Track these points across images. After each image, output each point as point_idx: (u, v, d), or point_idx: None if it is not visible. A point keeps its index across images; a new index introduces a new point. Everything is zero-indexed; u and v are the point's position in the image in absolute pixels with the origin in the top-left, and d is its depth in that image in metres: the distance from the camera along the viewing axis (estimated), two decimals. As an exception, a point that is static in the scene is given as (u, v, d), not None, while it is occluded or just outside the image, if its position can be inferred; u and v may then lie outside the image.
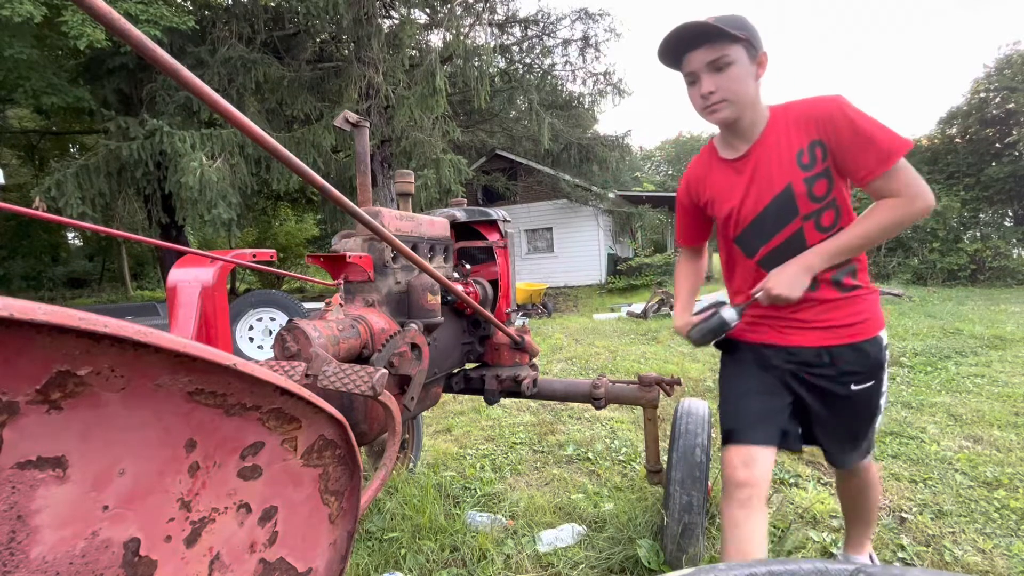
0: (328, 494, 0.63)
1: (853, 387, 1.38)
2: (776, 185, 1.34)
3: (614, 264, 16.68)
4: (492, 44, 13.40)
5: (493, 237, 2.34)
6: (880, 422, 1.46)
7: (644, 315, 9.13)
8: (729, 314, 1.41)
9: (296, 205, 22.56)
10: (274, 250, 2.05)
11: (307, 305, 7.02)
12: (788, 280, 1.29)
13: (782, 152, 1.33)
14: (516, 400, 3.41)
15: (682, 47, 1.33)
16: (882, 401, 1.44)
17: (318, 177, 0.79)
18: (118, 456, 0.40)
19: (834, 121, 1.26)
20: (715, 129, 1.47)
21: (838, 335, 1.37)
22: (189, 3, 11.50)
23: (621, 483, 2.58)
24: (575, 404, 3.88)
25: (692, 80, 1.34)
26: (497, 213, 2.34)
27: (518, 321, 2.33)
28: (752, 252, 1.44)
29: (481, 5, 13.29)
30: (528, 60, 14.99)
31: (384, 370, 1.11)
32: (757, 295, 1.35)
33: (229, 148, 9.85)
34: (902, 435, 3.09)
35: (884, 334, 1.41)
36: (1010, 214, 14.91)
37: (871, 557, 1.78)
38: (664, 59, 1.38)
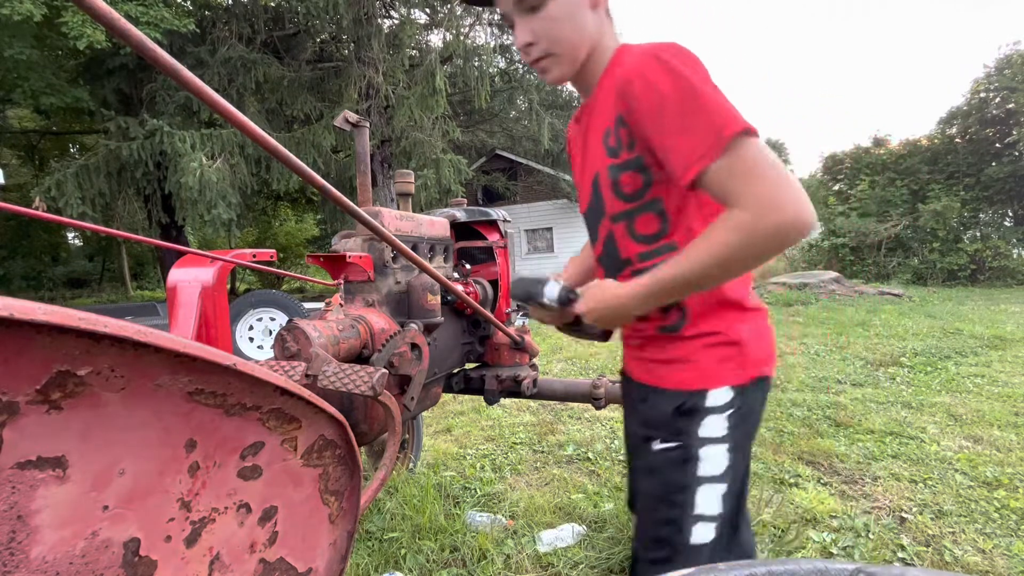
0: (328, 494, 0.63)
1: (655, 445, 0.94)
2: (588, 169, 1.00)
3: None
4: (492, 44, 13.40)
5: (493, 237, 2.34)
6: (713, 533, 0.90)
7: (644, 315, 9.11)
8: (549, 290, 1.04)
9: (296, 205, 22.58)
10: (274, 250, 2.05)
11: (307, 305, 7.02)
12: (598, 309, 0.94)
13: (597, 126, 0.95)
14: (516, 400, 3.41)
15: None
16: (707, 492, 0.89)
17: (318, 177, 0.79)
18: (118, 456, 0.40)
19: (634, 88, 0.82)
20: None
21: (651, 372, 0.99)
22: (189, 4, 11.49)
23: (621, 483, 2.58)
24: (575, 404, 3.88)
25: (509, 24, 0.96)
26: (497, 213, 2.34)
27: (518, 321, 2.33)
28: (592, 243, 1.10)
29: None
30: (528, 60, 14.97)
31: (384, 370, 1.11)
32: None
33: (229, 148, 9.86)
34: (902, 435, 3.09)
35: (722, 395, 0.90)
36: (1010, 214, 14.91)
37: None
38: None
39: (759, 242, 0.74)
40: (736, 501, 0.93)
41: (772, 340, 0.98)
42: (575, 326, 1.10)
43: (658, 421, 0.95)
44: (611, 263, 1.02)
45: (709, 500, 0.90)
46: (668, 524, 0.91)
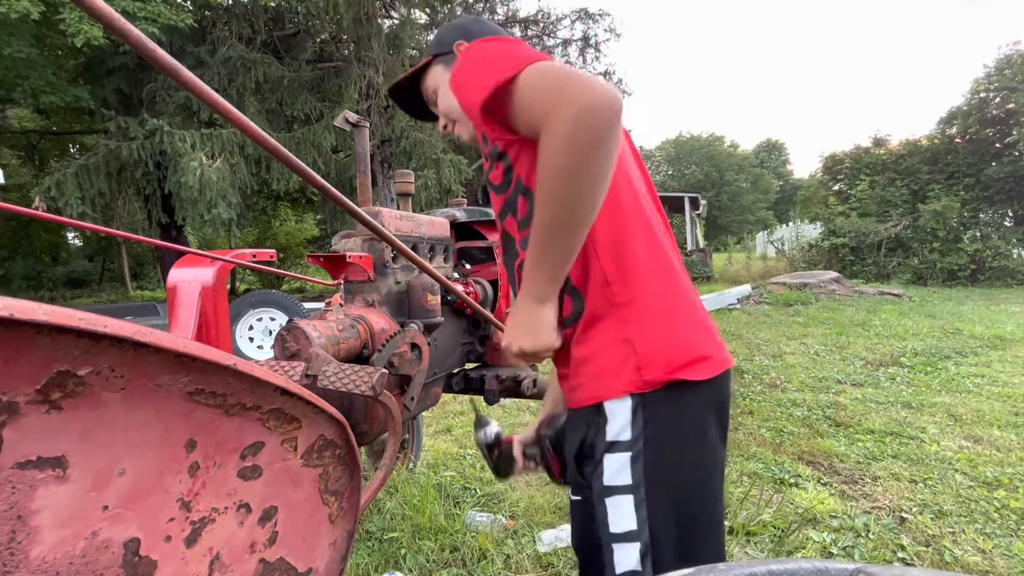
0: (328, 494, 0.63)
1: (585, 473, 0.82)
2: None
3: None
4: (492, 44, 13.38)
5: (493, 237, 2.34)
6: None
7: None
8: (483, 434, 1.03)
9: (296, 205, 22.56)
10: (274, 250, 2.05)
11: (307, 305, 7.02)
12: (517, 325, 0.80)
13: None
14: (516, 400, 3.41)
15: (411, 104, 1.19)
16: (622, 550, 0.75)
17: (318, 177, 0.79)
18: (118, 456, 0.40)
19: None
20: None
21: (569, 391, 0.87)
22: (188, 3, 11.49)
23: (621, 483, 2.58)
24: (575, 404, 3.87)
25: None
26: (497, 213, 2.34)
27: (518, 321, 2.33)
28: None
29: (481, 5, 13.30)
30: (528, 60, 14.98)
31: (384, 370, 1.11)
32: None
33: (229, 148, 9.86)
34: (902, 435, 3.09)
35: (621, 411, 0.76)
36: (1010, 214, 14.91)
37: None
38: (414, 115, 1.24)
39: (566, 137, 0.67)
40: (675, 556, 0.74)
41: (695, 332, 0.79)
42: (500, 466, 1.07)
43: (577, 448, 0.83)
44: (510, 260, 0.96)
45: (625, 559, 0.74)
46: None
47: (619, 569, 0.74)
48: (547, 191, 0.70)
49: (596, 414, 0.78)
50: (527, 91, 0.71)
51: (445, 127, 1.09)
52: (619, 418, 0.75)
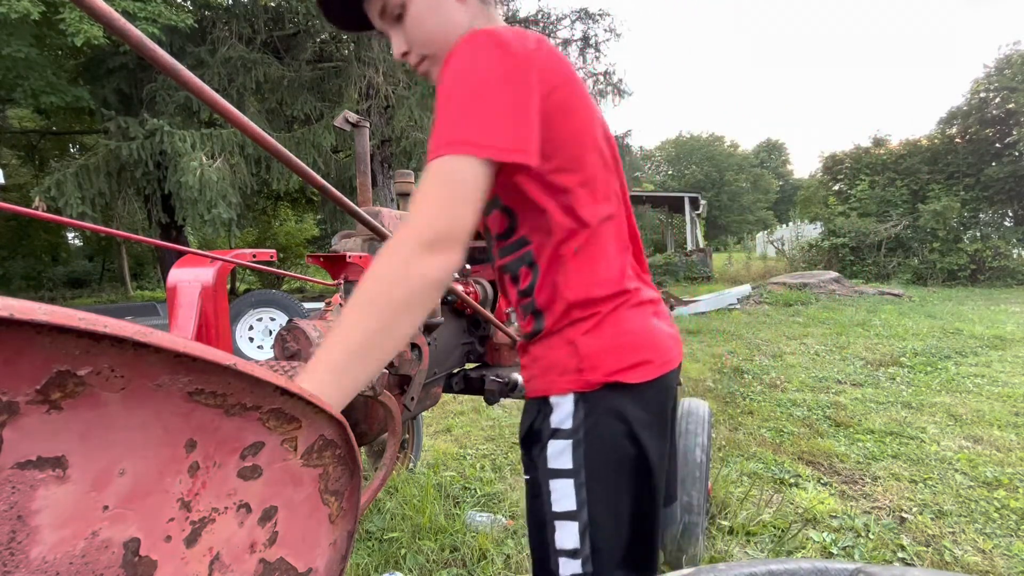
0: (328, 494, 0.63)
1: (525, 475, 0.88)
2: None
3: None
4: (492, 44, 13.39)
5: (493, 237, 2.34)
6: (579, 569, 0.80)
7: (644, 315, 9.10)
8: None
9: (296, 205, 22.57)
10: (274, 250, 2.05)
11: (307, 305, 7.02)
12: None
13: None
14: (516, 400, 3.42)
15: None
16: (563, 528, 0.80)
17: (318, 177, 0.79)
18: (118, 456, 0.40)
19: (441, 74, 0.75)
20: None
21: (525, 382, 0.92)
22: (189, 3, 11.49)
23: (621, 483, 2.58)
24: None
25: (388, 39, 0.92)
26: (497, 213, 2.34)
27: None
28: None
29: (481, 5, 13.29)
30: (528, 60, 14.99)
31: (384, 370, 1.11)
32: None
33: (229, 148, 9.86)
34: (902, 435, 3.10)
35: (564, 406, 0.82)
36: (1010, 214, 14.92)
37: None
38: (337, 22, 0.96)
39: (388, 285, 0.62)
40: (611, 540, 0.80)
41: (643, 339, 0.83)
42: None
43: (522, 447, 0.89)
44: (490, 257, 0.95)
45: (566, 536, 0.81)
46: (538, 553, 0.85)
47: (559, 544, 0.81)
48: (345, 324, 0.62)
49: (544, 404, 0.84)
50: (436, 186, 0.66)
51: (406, 55, 0.89)
52: (562, 409, 0.82)
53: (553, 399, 0.83)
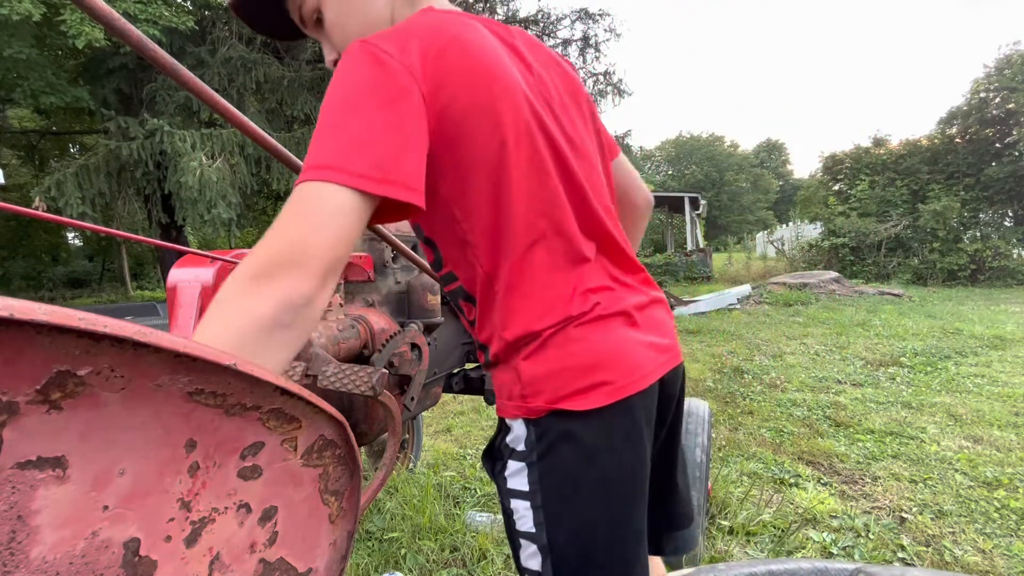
0: (328, 494, 0.63)
1: (494, 472, 0.84)
2: None
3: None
4: (492, 44, 13.40)
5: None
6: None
7: (644, 315, 9.11)
8: None
9: (296, 205, 22.55)
10: (274, 250, 2.05)
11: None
12: None
13: None
14: (516, 400, 3.42)
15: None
16: (526, 546, 0.78)
17: (318, 177, 0.79)
18: (118, 456, 0.40)
19: None
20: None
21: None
22: (189, 3, 11.49)
23: (621, 483, 2.58)
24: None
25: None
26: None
27: (518, 321, 2.33)
28: None
29: (481, 5, 13.30)
30: (528, 60, 15.00)
31: (384, 370, 1.11)
32: None
33: (229, 148, 9.86)
34: (902, 435, 3.09)
35: (519, 429, 0.77)
36: (1010, 214, 14.92)
37: None
38: (264, 31, 0.91)
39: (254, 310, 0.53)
40: (573, 566, 0.74)
41: (597, 359, 0.74)
42: None
43: (483, 462, 0.86)
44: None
45: (528, 556, 0.77)
46: (516, 565, 0.81)
47: (524, 563, 0.78)
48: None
49: (503, 422, 0.80)
50: (289, 205, 0.58)
51: (336, 62, 0.83)
52: (515, 432, 0.78)
53: (508, 420, 0.79)
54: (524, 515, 0.76)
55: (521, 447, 0.77)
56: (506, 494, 0.79)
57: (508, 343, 0.76)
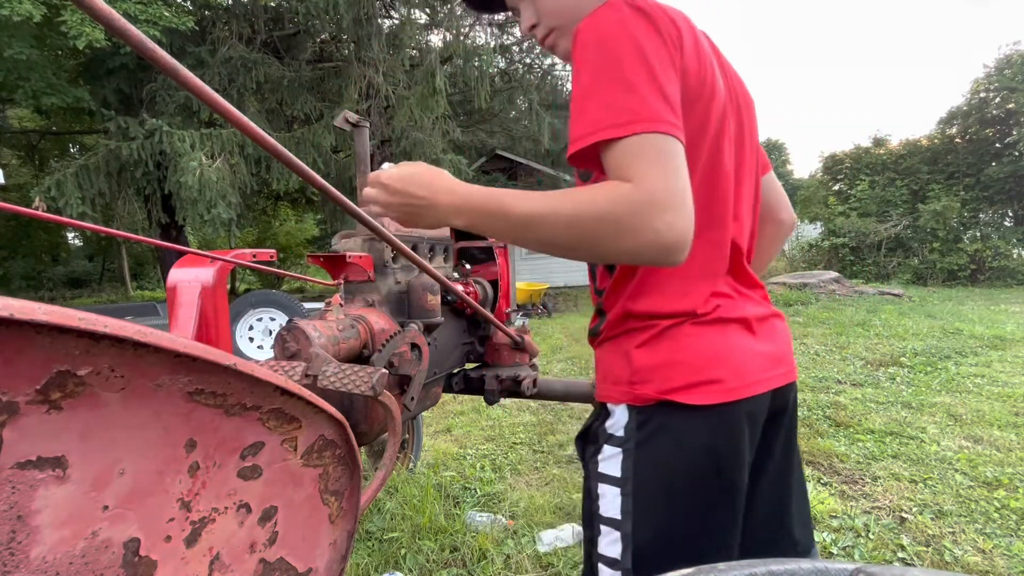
0: (328, 494, 0.63)
1: (586, 455, 0.86)
2: None
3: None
4: (492, 44, 13.40)
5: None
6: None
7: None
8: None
9: (296, 205, 22.57)
10: (274, 250, 2.05)
11: (307, 305, 7.01)
12: (396, 182, 0.80)
13: None
14: (516, 400, 3.42)
15: None
16: (606, 533, 0.78)
17: (318, 177, 0.79)
18: (118, 456, 0.40)
19: (572, 52, 0.72)
20: None
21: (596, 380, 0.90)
22: (189, 3, 11.49)
23: (621, 483, 2.58)
24: (575, 404, 3.88)
25: (516, 14, 0.94)
26: (497, 213, 2.34)
27: (518, 321, 2.33)
28: None
29: (481, 5, 13.28)
30: (528, 60, 15.00)
31: (384, 370, 1.11)
32: None
33: (229, 148, 9.86)
34: (902, 435, 3.09)
35: (620, 415, 0.78)
36: (1010, 214, 14.91)
37: None
38: (474, 4, 1.01)
39: (620, 225, 0.61)
40: (653, 562, 0.74)
41: (714, 359, 0.75)
42: None
43: (576, 444, 0.88)
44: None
45: (608, 543, 0.77)
46: (586, 549, 0.82)
47: (601, 550, 0.78)
48: (563, 230, 0.65)
49: (603, 407, 0.81)
50: (620, 164, 0.63)
51: (534, 27, 0.88)
52: (617, 417, 0.79)
53: (610, 405, 0.80)
54: (612, 501, 0.77)
55: (620, 433, 0.77)
56: (595, 478, 0.79)
57: (629, 313, 0.79)
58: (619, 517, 0.76)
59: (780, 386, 0.81)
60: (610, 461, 0.78)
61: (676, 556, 0.73)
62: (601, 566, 0.78)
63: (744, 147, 0.83)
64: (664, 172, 0.62)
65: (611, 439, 0.78)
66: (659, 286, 0.78)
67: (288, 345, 1.22)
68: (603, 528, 0.78)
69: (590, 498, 0.80)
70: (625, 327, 0.80)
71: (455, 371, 2.24)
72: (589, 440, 0.83)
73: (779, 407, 0.83)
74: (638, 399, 0.76)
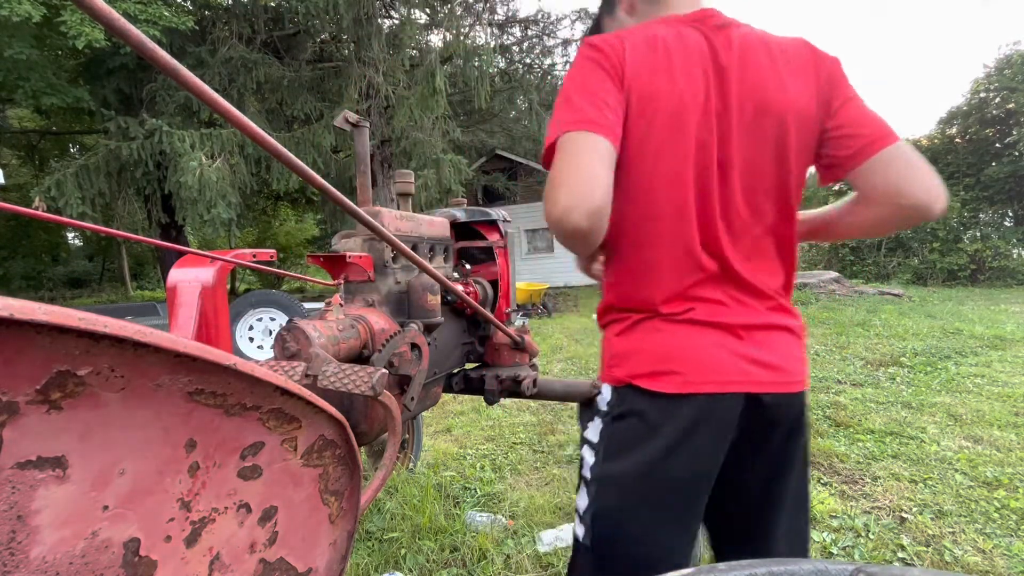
0: (328, 494, 0.63)
1: (583, 421, 1.01)
2: None
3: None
4: (492, 44, 13.40)
5: (493, 237, 2.34)
6: (581, 532, 0.90)
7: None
8: None
9: (296, 205, 22.57)
10: (274, 250, 2.05)
11: (307, 305, 7.01)
12: None
13: None
14: (516, 400, 3.42)
15: None
16: (581, 489, 0.91)
17: (318, 177, 0.79)
18: (118, 456, 0.40)
19: None
20: None
21: None
22: (189, 3, 11.49)
23: (621, 483, 2.58)
24: (575, 404, 3.88)
25: None
26: (497, 213, 2.34)
27: (518, 321, 2.33)
28: None
29: (481, 5, 13.30)
30: (528, 60, 15.00)
31: (384, 370, 1.11)
32: None
33: (229, 148, 9.86)
34: (902, 435, 3.09)
35: (606, 392, 0.92)
36: (1010, 214, 14.91)
37: None
38: None
39: (551, 226, 0.79)
40: (609, 524, 0.85)
41: (675, 351, 0.84)
42: None
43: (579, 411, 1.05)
44: None
45: (581, 496, 0.91)
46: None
47: (577, 503, 0.92)
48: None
49: (602, 385, 0.95)
50: (555, 157, 0.81)
51: None
52: (604, 393, 0.92)
53: (603, 384, 0.94)
54: (588, 461, 0.90)
55: (604, 407, 0.91)
56: (582, 442, 0.94)
57: (607, 305, 0.95)
58: (589, 476, 0.89)
59: (764, 392, 0.83)
60: (593, 429, 0.91)
61: (625, 522, 0.85)
62: (576, 519, 0.92)
63: (737, 159, 0.85)
64: (569, 159, 0.77)
65: (598, 412, 0.92)
66: (625, 283, 0.91)
67: (288, 345, 1.22)
68: (580, 486, 0.92)
69: (580, 461, 0.94)
70: (608, 317, 0.95)
71: (455, 371, 2.24)
72: (587, 412, 0.97)
73: (772, 417, 0.86)
74: (614, 380, 0.89)
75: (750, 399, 0.83)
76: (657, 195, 0.84)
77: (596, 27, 1.12)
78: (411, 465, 2.74)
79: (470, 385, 2.24)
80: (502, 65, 14.72)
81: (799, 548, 0.94)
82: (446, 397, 3.57)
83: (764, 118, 0.86)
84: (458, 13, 12.25)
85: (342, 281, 1.58)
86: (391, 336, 1.39)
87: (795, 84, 0.88)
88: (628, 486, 0.84)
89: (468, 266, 2.26)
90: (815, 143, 0.89)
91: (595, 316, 1.03)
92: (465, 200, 2.43)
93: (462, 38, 11.94)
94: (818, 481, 2.57)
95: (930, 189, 0.84)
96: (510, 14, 14.13)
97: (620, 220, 0.85)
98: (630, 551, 0.83)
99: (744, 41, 0.90)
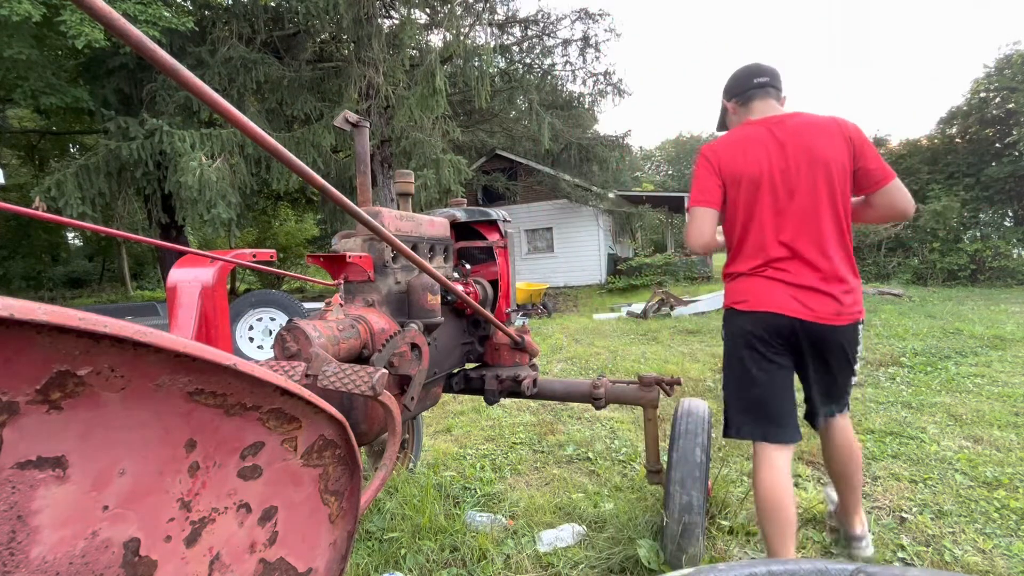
0: (328, 494, 0.63)
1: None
2: None
3: (614, 264, 16.70)
4: (492, 44, 13.40)
5: (493, 237, 2.34)
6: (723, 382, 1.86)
7: (644, 315, 9.13)
8: None
9: (296, 205, 22.56)
10: (274, 250, 2.05)
11: (307, 305, 7.01)
12: None
13: None
14: (516, 400, 3.42)
15: None
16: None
17: (318, 177, 0.79)
18: (118, 456, 0.40)
19: None
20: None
21: None
22: (189, 3, 11.49)
23: (621, 483, 2.58)
24: (575, 404, 3.88)
25: None
26: (497, 213, 2.34)
27: (518, 321, 2.34)
28: None
29: (481, 5, 13.29)
30: (528, 60, 14.99)
31: (384, 370, 1.11)
32: None
33: (229, 148, 9.86)
34: (902, 435, 3.10)
35: (726, 313, 1.85)
36: (1010, 214, 14.90)
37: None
38: None
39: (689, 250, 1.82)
40: (730, 390, 1.77)
41: (747, 292, 1.69)
42: None
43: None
44: None
45: (721, 368, 1.89)
46: None
47: (724, 380, 1.84)
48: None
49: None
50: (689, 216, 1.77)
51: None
52: (725, 314, 1.82)
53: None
54: (724, 351, 1.81)
55: (723, 320, 1.82)
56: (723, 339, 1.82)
57: (726, 273, 1.82)
58: (724, 359, 1.81)
59: (801, 318, 1.61)
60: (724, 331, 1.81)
61: (739, 392, 1.74)
62: (722, 384, 1.84)
63: (796, 193, 1.64)
64: (693, 220, 1.74)
65: (725, 322, 1.81)
66: (734, 262, 1.78)
67: (288, 345, 1.22)
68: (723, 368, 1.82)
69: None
70: (726, 274, 1.82)
71: (455, 371, 2.24)
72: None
73: (816, 336, 1.64)
74: (727, 306, 1.78)
75: (794, 321, 1.62)
76: (746, 219, 1.71)
77: (722, 123, 1.97)
78: (411, 465, 2.74)
79: (470, 385, 2.24)
80: (502, 65, 14.71)
81: (830, 401, 1.85)
82: (446, 397, 3.57)
83: (815, 166, 1.61)
84: (458, 13, 12.24)
85: (342, 281, 1.58)
86: (391, 336, 1.39)
87: (831, 144, 1.63)
88: (730, 364, 1.77)
89: (468, 266, 2.26)
90: (851, 177, 1.65)
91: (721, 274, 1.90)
92: (465, 200, 2.43)
93: (462, 38, 11.93)
94: (818, 481, 2.57)
95: (909, 204, 1.67)
96: (510, 14, 14.13)
97: (731, 233, 1.76)
98: (745, 406, 1.74)
99: (795, 123, 1.67)
